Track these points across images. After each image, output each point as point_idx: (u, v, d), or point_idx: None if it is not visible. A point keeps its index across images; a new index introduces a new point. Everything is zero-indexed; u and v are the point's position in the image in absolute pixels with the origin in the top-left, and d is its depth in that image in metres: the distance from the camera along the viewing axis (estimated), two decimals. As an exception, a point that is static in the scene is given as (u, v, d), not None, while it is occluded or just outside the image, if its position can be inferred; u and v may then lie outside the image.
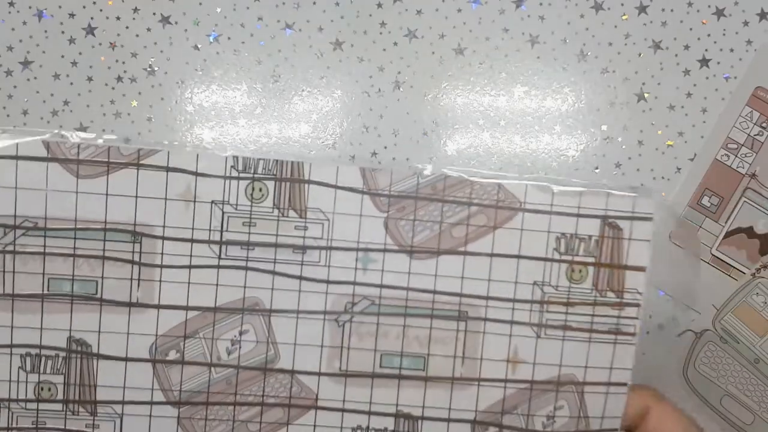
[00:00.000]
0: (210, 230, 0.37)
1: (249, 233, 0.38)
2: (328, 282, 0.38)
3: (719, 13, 0.50)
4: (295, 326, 0.38)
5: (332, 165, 0.38)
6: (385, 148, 0.50)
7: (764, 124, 0.49)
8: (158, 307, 0.38)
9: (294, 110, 0.50)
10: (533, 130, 0.50)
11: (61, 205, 0.37)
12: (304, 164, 0.38)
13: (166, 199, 0.37)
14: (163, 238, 0.37)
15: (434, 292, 0.38)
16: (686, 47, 0.50)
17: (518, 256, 0.38)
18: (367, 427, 0.38)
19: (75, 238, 0.37)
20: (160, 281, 0.38)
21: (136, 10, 0.50)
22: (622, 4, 0.50)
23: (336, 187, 0.38)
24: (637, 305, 0.39)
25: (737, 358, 0.48)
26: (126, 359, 0.38)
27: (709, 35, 0.50)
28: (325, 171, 0.38)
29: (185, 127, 0.50)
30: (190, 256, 0.37)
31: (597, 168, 0.50)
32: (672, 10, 0.50)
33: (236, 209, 0.37)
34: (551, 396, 0.39)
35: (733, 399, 0.48)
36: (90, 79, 0.50)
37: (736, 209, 0.49)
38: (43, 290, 0.37)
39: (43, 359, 0.38)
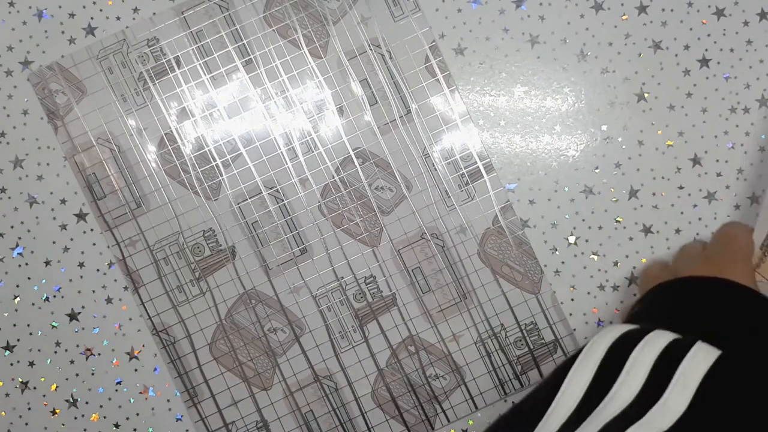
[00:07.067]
0: None
1: None
2: None
3: (719, 13, 0.50)
4: None
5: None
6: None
7: None
8: None
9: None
10: (533, 130, 0.50)
11: None
12: None
13: None
14: None
15: None
16: (686, 47, 0.50)
17: None
18: None
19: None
20: None
21: (136, 10, 0.50)
22: (622, 4, 0.50)
23: None
24: None
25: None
26: None
27: (709, 35, 0.50)
28: None
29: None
30: None
31: (597, 168, 0.50)
32: (672, 10, 0.50)
33: None
34: None
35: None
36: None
37: None
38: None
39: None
